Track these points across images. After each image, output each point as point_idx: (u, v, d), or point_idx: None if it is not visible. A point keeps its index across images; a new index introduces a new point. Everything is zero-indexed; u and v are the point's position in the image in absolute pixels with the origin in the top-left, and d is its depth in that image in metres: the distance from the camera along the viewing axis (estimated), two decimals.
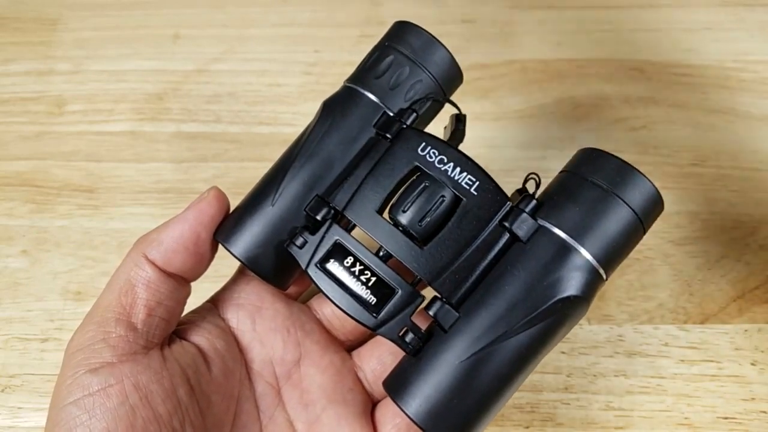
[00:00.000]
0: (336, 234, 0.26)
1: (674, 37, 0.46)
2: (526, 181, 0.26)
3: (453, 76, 0.29)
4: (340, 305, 0.26)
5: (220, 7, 0.48)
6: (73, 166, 0.41)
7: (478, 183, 0.26)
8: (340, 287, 0.26)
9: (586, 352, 0.34)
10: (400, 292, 0.26)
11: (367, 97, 0.28)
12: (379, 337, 0.30)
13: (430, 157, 0.26)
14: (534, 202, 0.25)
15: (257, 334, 0.28)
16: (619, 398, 0.33)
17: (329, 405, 0.28)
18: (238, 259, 0.27)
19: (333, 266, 0.26)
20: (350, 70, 0.49)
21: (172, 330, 0.26)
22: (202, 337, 0.27)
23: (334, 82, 0.44)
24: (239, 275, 0.30)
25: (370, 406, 0.29)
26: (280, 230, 0.27)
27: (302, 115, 0.43)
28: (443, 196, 0.26)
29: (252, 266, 0.27)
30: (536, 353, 0.24)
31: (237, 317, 0.28)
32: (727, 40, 0.46)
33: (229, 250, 0.27)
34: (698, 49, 0.45)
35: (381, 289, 0.26)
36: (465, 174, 0.26)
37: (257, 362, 0.28)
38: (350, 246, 0.26)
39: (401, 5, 0.48)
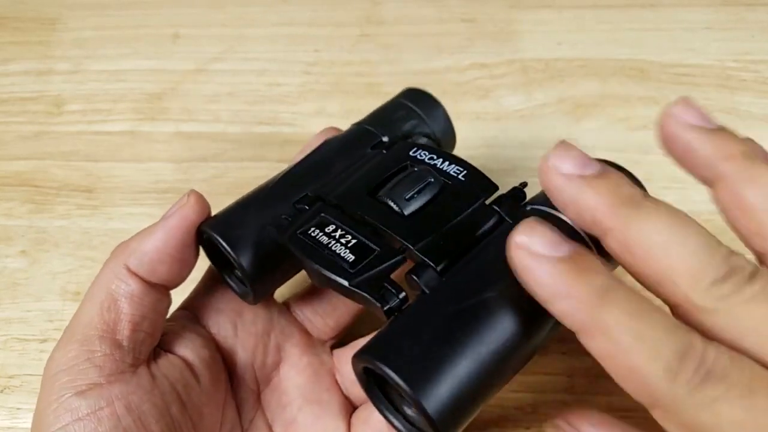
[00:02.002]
0: (322, 211, 0.26)
1: (675, 37, 0.46)
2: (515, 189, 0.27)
3: (449, 139, 0.32)
4: (313, 263, 0.24)
5: (220, 7, 0.48)
6: (72, 166, 0.41)
7: (466, 172, 0.26)
8: (317, 248, 0.25)
9: (588, 353, 0.34)
10: (378, 250, 0.24)
11: (370, 130, 0.30)
12: (359, 341, 0.29)
13: (421, 156, 0.27)
14: (524, 192, 0.26)
15: (239, 340, 0.28)
16: (620, 399, 0.33)
17: (305, 405, 0.28)
18: (224, 249, 0.26)
19: (313, 232, 0.25)
20: (350, 70, 0.49)
21: (156, 343, 0.25)
22: (186, 348, 0.26)
23: (333, 81, 0.44)
24: (213, 280, 0.29)
25: (349, 407, 0.29)
26: (266, 222, 0.26)
27: (302, 114, 0.43)
28: (431, 180, 0.26)
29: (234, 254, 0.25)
30: (521, 316, 0.22)
31: (218, 323, 0.28)
32: (728, 40, 0.46)
33: (216, 240, 0.26)
34: (699, 49, 0.45)
35: (360, 249, 0.25)
36: (453, 165, 0.27)
37: (239, 368, 0.28)
38: (333, 218, 0.26)
39: (401, 4, 0.48)
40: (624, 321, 0.18)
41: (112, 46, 0.46)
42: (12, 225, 0.39)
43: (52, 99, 0.44)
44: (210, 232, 0.26)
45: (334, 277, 0.24)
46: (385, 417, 0.23)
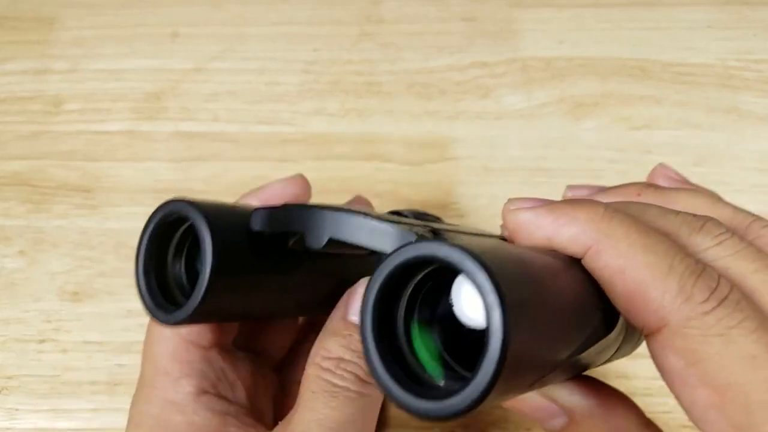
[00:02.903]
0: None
1: (676, 36, 0.46)
2: None
3: None
4: (326, 210, 0.21)
5: (219, 6, 0.48)
6: (70, 165, 0.40)
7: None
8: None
9: None
10: (408, 216, 0.23)
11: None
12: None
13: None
14: None
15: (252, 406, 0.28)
16: None
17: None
18: (194, 222, 0.21)
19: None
20: (350, 69, 0.48)
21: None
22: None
23: (333, 80, 0.44)
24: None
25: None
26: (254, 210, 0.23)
27: (301, 114, 0.42)
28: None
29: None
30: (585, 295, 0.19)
31: (235, 393, 0.27)
32: (730, 39, 0.45)
33: (189, 209, 0.21)
34: (700, 48, 0.45)
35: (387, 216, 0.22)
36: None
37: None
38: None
39: (401, 3, 0.48)
40: (633, 235, 0.17)
41: (110, 46, 0.46)
42: (10, 225, 0.38)
43: (50, 98, 0.43)
44: (184, 203, 0.22)
45: (357, 216, 0.20)
46: (380, 381, 0.16)
